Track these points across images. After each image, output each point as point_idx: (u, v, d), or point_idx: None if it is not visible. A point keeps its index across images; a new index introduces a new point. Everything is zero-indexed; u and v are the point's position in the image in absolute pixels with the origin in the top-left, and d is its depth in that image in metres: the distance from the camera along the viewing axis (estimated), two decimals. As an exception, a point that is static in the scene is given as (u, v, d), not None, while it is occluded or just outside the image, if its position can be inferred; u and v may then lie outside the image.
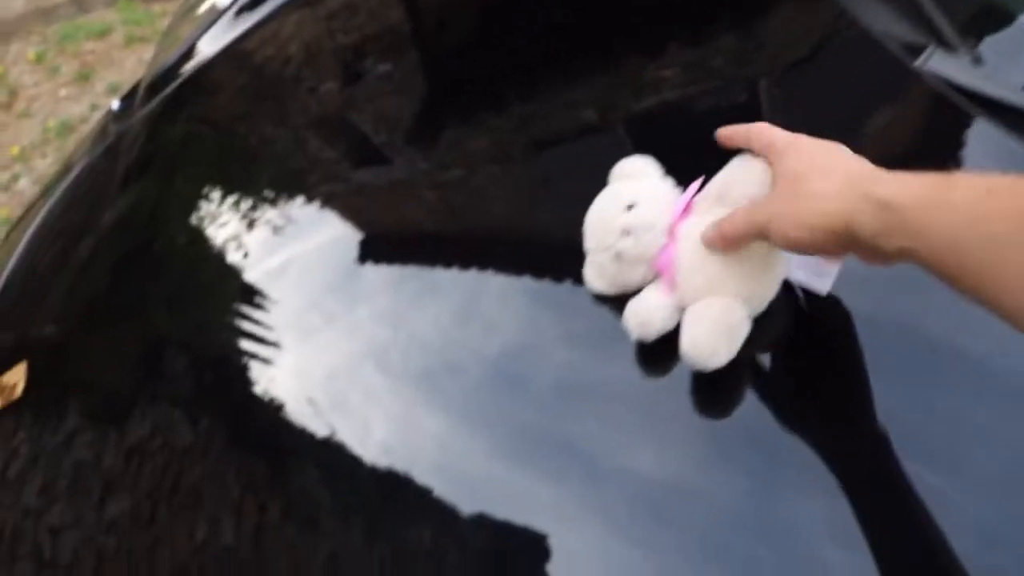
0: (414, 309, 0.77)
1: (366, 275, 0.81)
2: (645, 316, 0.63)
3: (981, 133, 0.72)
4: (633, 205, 0.64)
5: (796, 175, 0.54)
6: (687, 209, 0.64)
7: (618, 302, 0.71)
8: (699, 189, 0.65)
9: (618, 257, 0.65)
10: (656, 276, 0.65)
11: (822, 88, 0.84)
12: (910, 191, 0.47)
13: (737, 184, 0.61)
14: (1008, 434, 0.58)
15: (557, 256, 0.76)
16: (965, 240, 0.43)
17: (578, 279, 0.72)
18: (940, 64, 0.75)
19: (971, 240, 0.43)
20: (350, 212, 0.88)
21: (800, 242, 0.53)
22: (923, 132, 0.76)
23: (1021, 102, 0.71)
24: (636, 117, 0.89)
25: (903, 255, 0.47)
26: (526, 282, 0.77)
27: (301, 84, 1.11)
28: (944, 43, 0.78)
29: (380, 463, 0.68)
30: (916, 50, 0.78)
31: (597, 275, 0.67)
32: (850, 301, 0.67)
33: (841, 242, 0.51)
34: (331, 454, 0.69)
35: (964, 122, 0.72)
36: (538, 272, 0.77)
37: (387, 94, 1.02)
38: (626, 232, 0.64)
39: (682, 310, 0.63)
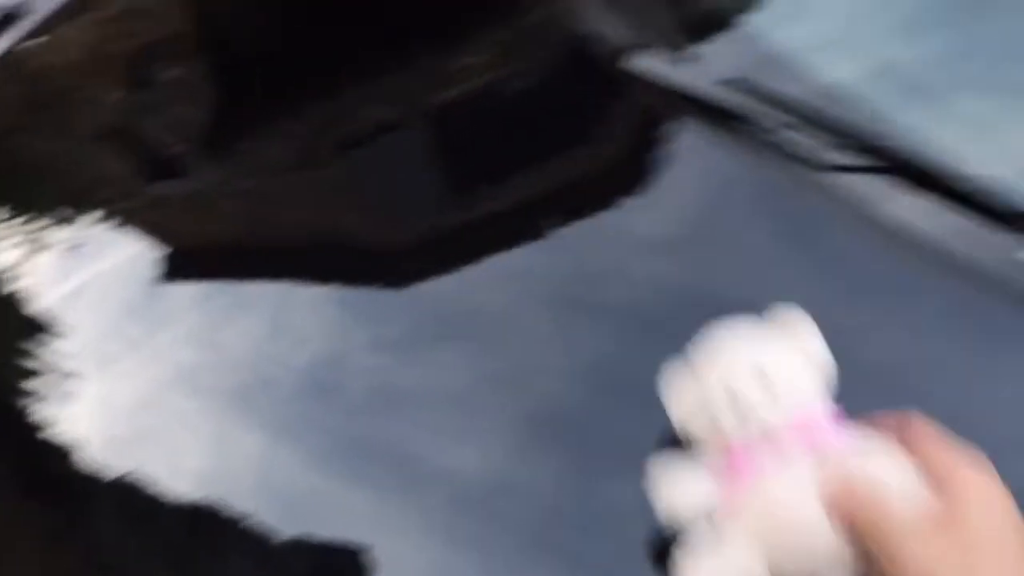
0: (222, 326, 0.75)
1: (167, 295, 0.79)
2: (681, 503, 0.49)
3: (684, 130, 0.77)
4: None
5: (972, 540, 0.40)
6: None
7: (432, 302, 0.74)
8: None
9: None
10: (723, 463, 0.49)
11: (530, 91, 0.87)
12: None
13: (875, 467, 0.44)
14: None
15: (364, 260, 0.77)
16: None
17: (386, 282, 0.73)
18: (644, 63, 0.79)
19: None
20: (146, 228, 0.85)
21: None
22: (627, 131, 0.81)
23: (719, 96, 0.75)
24: (437, 112, 0.92)
25: None
26: (335, 289, 0.78)
27: (83, 93, 1.05)
28: (650, 42, 0.83)
29: (196, 494, 0.67)
30: (622, 50, 0.82)
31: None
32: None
33: None
34: (140, 491, 0.67)
35: (669, 120, 0.78)
36: (346, 278, 0.78)
37: (178, 101, 0.99)
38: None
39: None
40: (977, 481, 0.42)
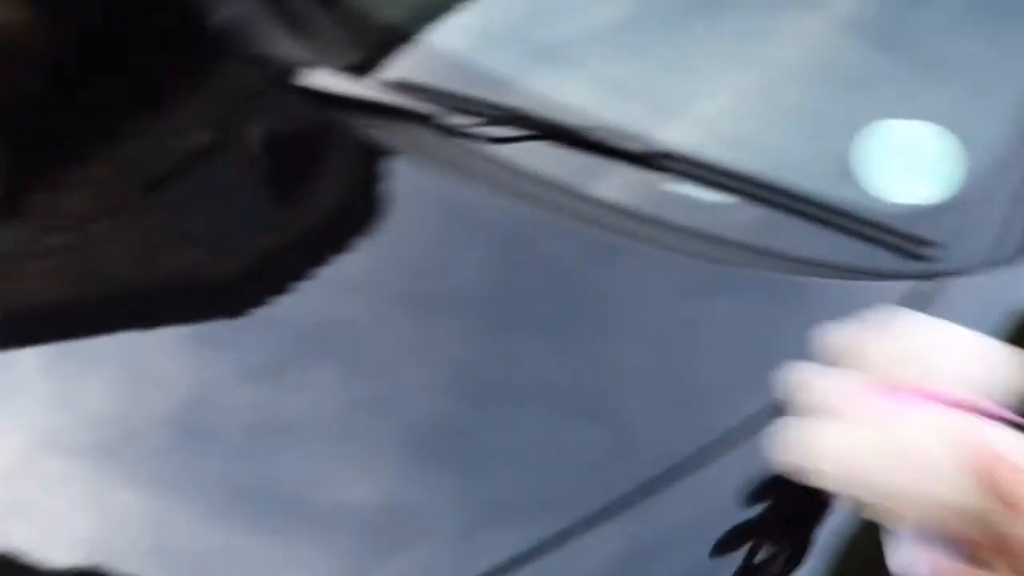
0: (74, 386, 0.73)
1: (10, 363, 0.75)
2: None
3: (358, 133, 0.86)
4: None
5: None
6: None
7: (282, 324, 0.76)
8: None
9: None
10: None
11: (207, 112, 0.93)
12: None
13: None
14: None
15: (196, 298, 0.79)
16: None
17: (234, 311, 0.75)
18: (317, 78, 0.86)
19: None
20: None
21: None
22: (303, 144, 0.89)
23: (382, 97, 0.85)
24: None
25: None
26: (177, 332, 0.78)
27: None
28: (323, 59, 0.89)
29: (81, 562, 0.65)
30: (297, 65, 0.88)
31: None
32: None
33: None
34: (21, 567, 0.64)
35: (339, 128, 0.87)
36: (184, 318, 0.78)
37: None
38: None
39: None
40: None
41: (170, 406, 0.72)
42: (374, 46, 0.93)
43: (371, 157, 0.89)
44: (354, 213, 0.85)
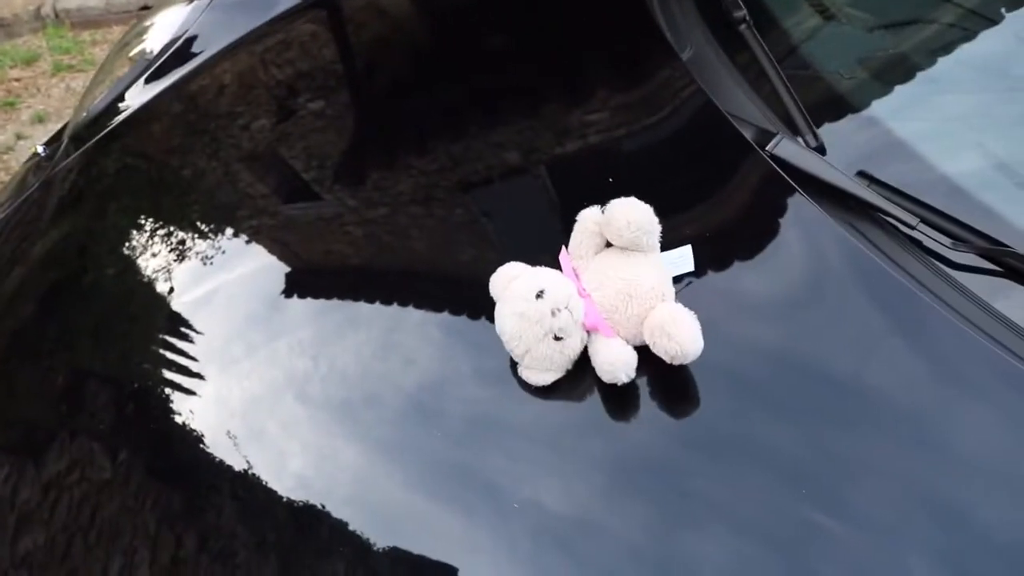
0: (335, 341, 0.82)
1: (289, 308, 0.86)
2: (621, 360, 0.72)
3: (819, 218, 0.81)
4: (541, 292, 0.73)
5: None
6: (576, 269, 0.77)
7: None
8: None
9: (558, 337, 0.73)
10: (591, 332, 0.75)
11: (676, 168, 0.93)
12: None
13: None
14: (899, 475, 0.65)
15: (472, 295, 0.82)
16: None
17: (491, 317, 0.78)
18: (787, 150, 0.85)
19: None
20: (276, 246, 0.94)
21: None
22: (768, 215, 0.84)
23: (855, 189, 0.81)
24: (558, 161, 0.98)
25: None
26: (442, 319, 0.84)
27: (235, 119, 1.17)
28: (794, 130, 0.88)
29: (295, 496, 0.73)
30: (767, 135, 0.88)
31: (544, 369, 0.74)
32: (749, 339, 0.75)
33: None
34: (247, 487, 0.74)
35: (806, 207, 0.82)
36: (454, 310, 0.84)
37: (317, 131, 1.08)
38: (555, 311, 0.73)
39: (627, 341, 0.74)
40: None
41: (412, 382, 0.78)
42: (841, 127, 0.94)
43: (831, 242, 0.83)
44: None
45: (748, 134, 0.90)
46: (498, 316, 0.75)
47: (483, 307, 0.79)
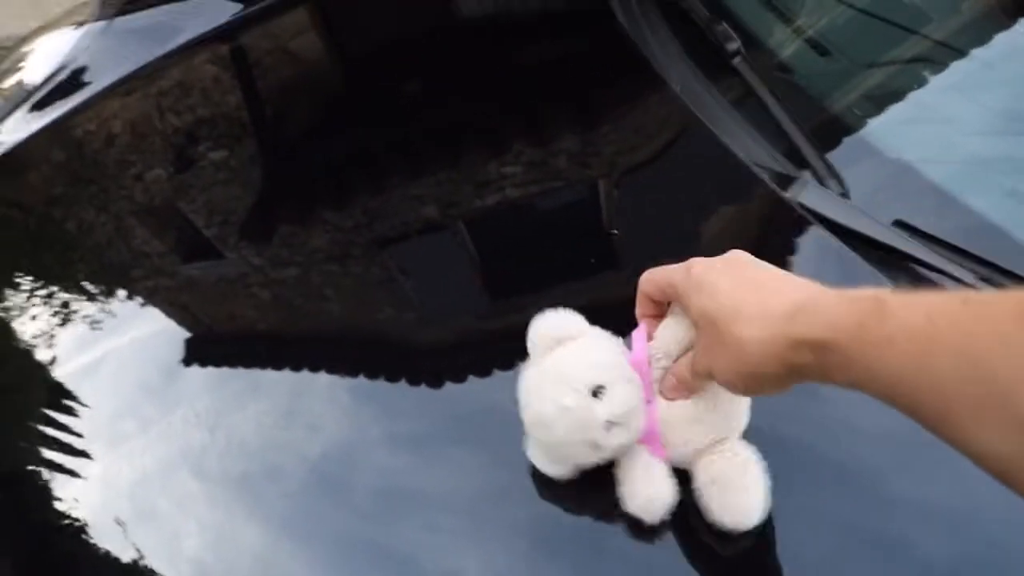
0: (235, 411, 0.79)
1: (186, 376, 0.82)
2: (660, 500, 0.60)
3: (849, 266, 0.77)
4: (600, 389, 0.58)
5: (711, 319, 0.52)
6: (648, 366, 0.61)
7: (451, 404, 0.77)
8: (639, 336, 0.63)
9: (597, 447, 0.60)
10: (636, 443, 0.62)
11: (697, 215, 0.89)
12: (842, 326, 0.45)
13: (673, 341, 0.60)
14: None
15: (387, 357, 0.81)
16: (911, 379, 0.41)
17: (407, 380, 0.77)
18: (811, 196, 0.82)
19: (917, 378, 0.41)
20: (173, 309, 0.90)
21: (750, 388, 0.52)
22: (792, 262, 0.80)
23: (886, 237, 0.77)
24: (478, 215, 0.97)
25: (859, 387, 0.45)
26: (352, 384, 0.81)
27: (127, 168, 1.13)
28: (815, 175, 0.84)
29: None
30: (788, 180, 0.84)
31: (558, 462, 0.64)
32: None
33: (792, 379, 0.49)
34: (137, 574, 0.70)
35: (832, 254, 0.78)
36: (367, 372, 0.81)
37: (220, 184, 1.05)
38: (611, 424, 0.58)
39: (672, 466, 0.62)
40: (695, 268, 0.56)
41: (315, 452, 0.75)
42: (860, 168, 0.87)
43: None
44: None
45: (767, 177, 0.84)
46: (529, 384, 0.62)
47: (397, 369, 0.78)
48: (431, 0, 1.28)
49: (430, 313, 0.89)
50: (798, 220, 0.81)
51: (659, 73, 1.00)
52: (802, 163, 0.86)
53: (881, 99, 0.93)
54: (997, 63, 0.88)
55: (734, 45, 0.95)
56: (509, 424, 0.74)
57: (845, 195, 0.83)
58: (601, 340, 0.62)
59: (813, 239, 0.80)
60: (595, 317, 0.65)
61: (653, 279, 0.60)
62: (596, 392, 0.58)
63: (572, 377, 0.58)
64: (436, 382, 0.80)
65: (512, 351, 0.80)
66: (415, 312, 0.89)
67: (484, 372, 0.81)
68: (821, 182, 0.83)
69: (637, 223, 0.89)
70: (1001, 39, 0.90)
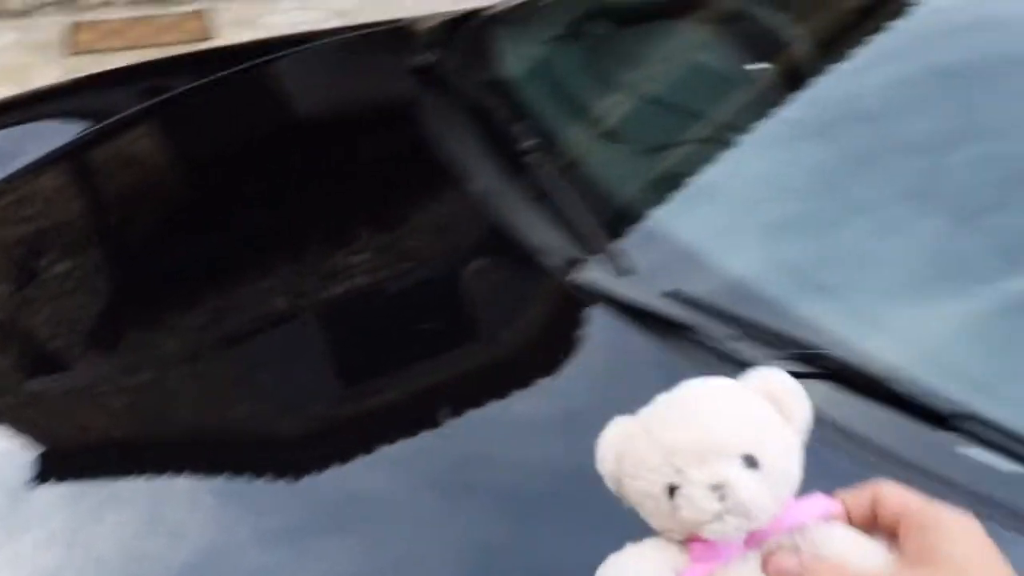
0: (92, 524, 0.77)
1: (36, 497, 0.79)
2: None
3: (628, 341, 0.83)
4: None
5: (957, 567, 0.41)
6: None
7: (320, 493, 0.77)
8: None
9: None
10: None
11: (490, 304, 0.95)
12: None
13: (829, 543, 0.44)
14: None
15: (247, 454, 0.81)
16: None
17: (273, 474, 0.76)
18: (591, 276, 0.87)
19: None
20: (18, 427, 0.87)
21: None
22: (573, 342, 0.87)
23: (664, 309, 0.83)
24: (327, 304, 0.99)
25: None
26: (218, 481, 0.81)
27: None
28: (596, 255, 0.90)
29: None
30: (569, 262, 0.90)
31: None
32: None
33: None
34: None
35: (614, 331, 0.85)
36: (231, 470, 0.81)
37: (65, 295, 1.04)
38: None
39: None
40: (961, 520, 0.43)
41: (181, 560, 0.74)
42: (640, 245, 0.93)
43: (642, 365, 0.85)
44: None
45: (552, 263, 0.91)
46: None
47: (259, 464, 0.78)
48: (259, 111, 1.34)
49: (287, 404, 0.89)
50: (580, 300, 0.88)
51: (461, 173, 1.08)
52: (591, 248, 0.91)
53: (665, 182, 1.03)
54: (770, 143, 1.02)
55: (529, 142, 1.01)
56: (375, 506, 0.77)
57: (629, 273, 0.88)
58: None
59: (594, 316, 0.88)
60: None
61: (886, 492, 0.45)
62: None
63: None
64: (300, 472, 0.80)
65: (369, 434, 0.84)
66: (272, 404, 0.89)
67: (345, 458, 0.82)
68: (607, 263, 0.89)
69: (441, 314, 0.95)
70: (770, 122, 1.04)
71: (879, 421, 0.75)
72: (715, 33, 1.25)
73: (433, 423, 0.82)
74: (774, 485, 0.43)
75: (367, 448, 0.82)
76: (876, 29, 1.10)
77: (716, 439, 0.43)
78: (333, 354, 0.96)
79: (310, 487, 0.79)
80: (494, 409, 0.84)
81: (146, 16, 3.27)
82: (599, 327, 0.88)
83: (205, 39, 3.07)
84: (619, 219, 0.98)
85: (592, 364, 0.88)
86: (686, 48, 1.24)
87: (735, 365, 0.79)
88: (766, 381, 0.46)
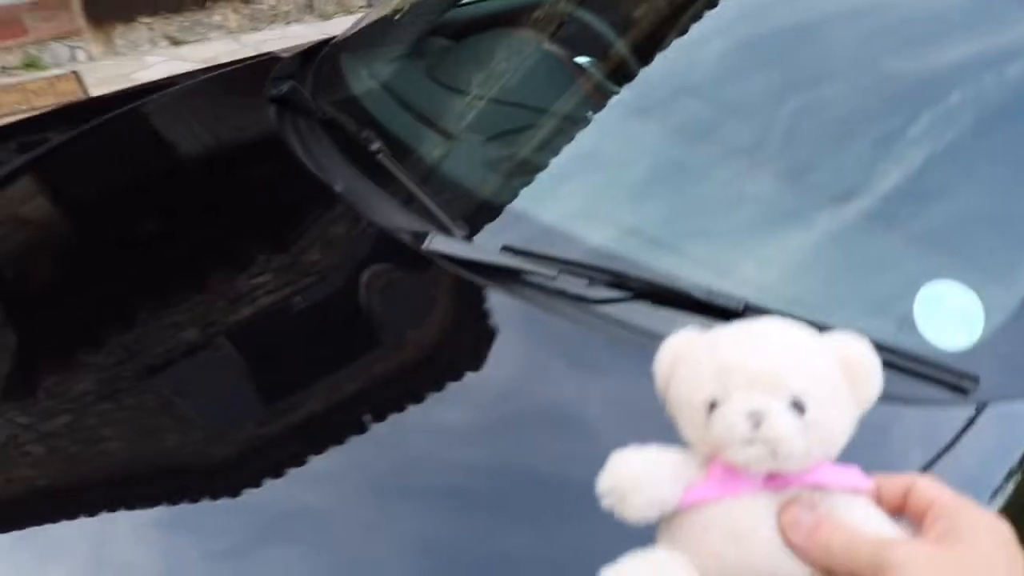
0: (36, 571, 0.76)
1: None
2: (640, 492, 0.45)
3: (469, 288, 0.99)
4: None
5: (981, 555, 0.40)
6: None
7: (259, 509, 0.80)
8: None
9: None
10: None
11: (363, 288, 1.05)
12: None
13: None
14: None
15: (182, 483, 0.82)
16: None
17: (206, 498, 0.80)
18: (441, 244, 1.02)
19: None
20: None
21: None
22: (434, 301, 1.03)
23: (502, 261, 1.00)
24: (236, 327, 1.03)
25: None
26: (157, 516, 0.81)
27: None
28: (443, 229, 1.05)
29: None
30: (421, 236, 1.04)
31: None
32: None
33: None
34: None
35: (462, 283, 1.00)
36: (168, 502, 0.82)
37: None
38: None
39: None
40: (993, 519, 0.42)
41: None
42: (487, 219, 1.10)
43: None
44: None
45: (407, 238, 1.05)
46: None
47: (198, 490, 0.79)
48: (137, 152, 1.41)
49: (214, 429, 0.92)
50: (430, 262, 1.03)
51: (323, 179, 1.20)
52: (437, 224, 1.08)
53: (498, 165, 1.22)
54: (589, 123, 1.22)
55: (377, 145, 1.18)
56: (314, 517, 0.79)
57: (468, 238, 1.06)
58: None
59: (444, 274, 1.02)
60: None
61: (944, 491, 0.44)
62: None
63: None
64: (237, 492, 0.82)
65: (296, 449, 0.87)
66: (199, 431, 0.91)
67: (277, 474, 0.83)
68: (450, 233, 1.06)
69: (341, 312, 1.05)
70: (594, 105, 1.23)
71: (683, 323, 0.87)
72: (542, 37, 1.42)
73: (355, 423, 0.88)
74: (811, 438, 0.42)
75: (298, 461, 0.85)
76: (691, 14, 1.26)
77: (771, 371, 0.43)
78: (251, 374, 0.99)
79: (250, 506, 0.81)
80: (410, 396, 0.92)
81: (18, 83, 3.24)
82: (453, 283, 1.03)
83: (79, 99, 3.08)
84: (461, 198, 1.15)
85: (451, 314, 1.03)
86: (516, 52, 1.42)
87: (563, 299, 0.95)
88: (845, 346, 0.45)
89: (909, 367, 0.85)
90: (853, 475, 0.45)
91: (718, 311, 0.89)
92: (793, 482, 0.44)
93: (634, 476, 0.44)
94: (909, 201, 1.00)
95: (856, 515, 0.43)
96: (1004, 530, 0.42)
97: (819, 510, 0.43)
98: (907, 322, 0.90)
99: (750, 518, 0.43)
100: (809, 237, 1.00)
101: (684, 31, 1.24)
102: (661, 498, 0.44)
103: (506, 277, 0.99)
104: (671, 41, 1.23)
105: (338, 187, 1.17)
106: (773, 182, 1.07)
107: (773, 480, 0.44)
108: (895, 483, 0.45)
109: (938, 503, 0.43)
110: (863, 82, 1.11)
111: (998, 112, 1.05)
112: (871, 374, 0.45)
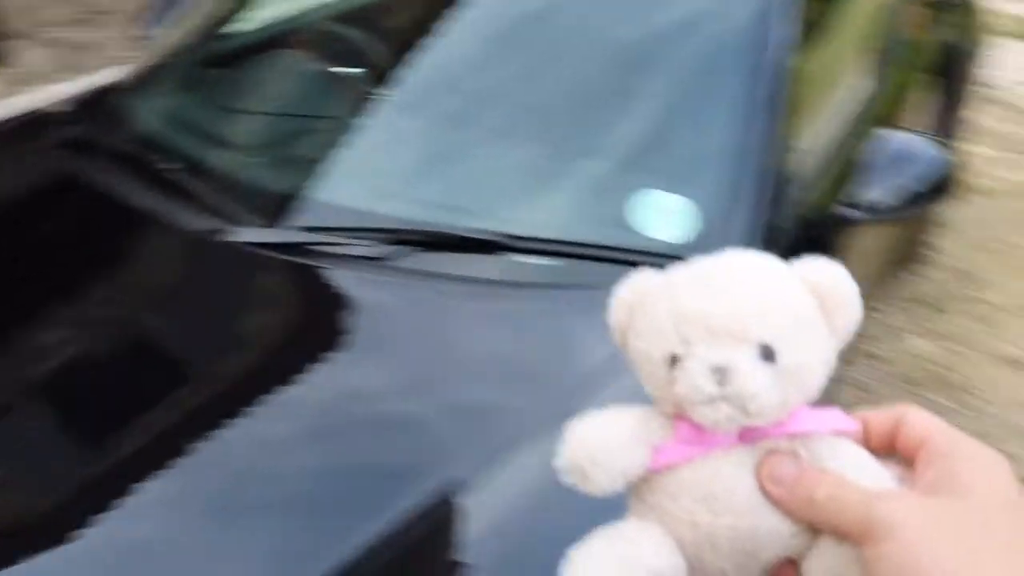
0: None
1: None
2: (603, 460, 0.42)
3: (272, 265, 1.23)
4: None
5: (978, 500, 0.37)
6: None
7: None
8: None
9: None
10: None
11: (179, 285, 1.24)
12: None
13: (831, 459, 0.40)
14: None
15: (26, 536, 0.86)
16: None
17: (54, 543, 0.84)
18: (245, 234, 1.26)
19: None
20: None
21: None
22: (237, 285, 1.26)
23: (296, 237, 1.26)
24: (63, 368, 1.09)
25: None
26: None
27: None
28: (244, 222, 1.28)
29: None
30: (216, 231, 1.25)
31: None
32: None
33: None
34: None
35: (265, 263, 1.23)
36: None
37: None
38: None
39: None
40: (988, 453, 0.39)
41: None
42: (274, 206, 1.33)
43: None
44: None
45: (210, 235, 1.25)
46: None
47: (36, 536, 0.85)
48: None
49: (33, 484, 0.95)
50: (235, 249, 1.26)
51: (128, 206, 1.36)
52: (238, 220, 1.32)
53: (277, 166, 1.51)
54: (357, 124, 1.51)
55: (174, 165, 1.39)
56: (163, 543, 0.85)
57: (271, 226, 1.32)
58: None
59: (249, 257, 1.25)
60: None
61: (936, 424, 0.41)
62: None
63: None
64: (67, 539, 0.86)
65: (126, 484, 0.90)
66: (17, 491, 0.94)
67: (108, 512, 0.88)
68: (247, 224, 1.31)
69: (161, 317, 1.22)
70: (360, 106, 1.53)
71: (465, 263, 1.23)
72: (309, 55, 1.71)
73: (183, 441, 0.96)
74: (786, 386, 0.39)
75: (131, 495, 0.90)
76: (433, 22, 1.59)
77: (735, 318, 0.38)
78: (63, 423, 1.04)
79: (95, 543, 0.85)
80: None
81: None
82: (259, 263, 1.27)
83: None
84: (257, 196, 1.41)
85: (268, 299, 1.28)
86: (286, 70, 1.71)
87: (359, 262, 1.21)
88: (816, 273, 0.41)
89: (634, 260, 1.06)
90: (835, 417, 0.41)
91: (481, 245, 1.19)
92: (770, 433, 0.40)
93: (591, 449, 0.41)
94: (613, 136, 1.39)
95: (842, 462, 0.40)
96: (1002, 472, 0.39)
97: (800, 460, 0.40)
98: (627, 225, 1.24)
99: (725, 477, 0.40)
100: (540, 179, 1.38)
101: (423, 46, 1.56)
102: (624, 468, 0.41)
103: (308, 253, 1.22)
104: (413, 53, 1.55)
105: (141, 206, 1.35)
106: (506, 144, 1.42)
107: (748, 433, 0.40)
108: (882, 419, 0.42)
109: (930, 443, 0.40)
110: (567, 58, 1.50)
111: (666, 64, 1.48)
112: (847, 301, 0.41)
